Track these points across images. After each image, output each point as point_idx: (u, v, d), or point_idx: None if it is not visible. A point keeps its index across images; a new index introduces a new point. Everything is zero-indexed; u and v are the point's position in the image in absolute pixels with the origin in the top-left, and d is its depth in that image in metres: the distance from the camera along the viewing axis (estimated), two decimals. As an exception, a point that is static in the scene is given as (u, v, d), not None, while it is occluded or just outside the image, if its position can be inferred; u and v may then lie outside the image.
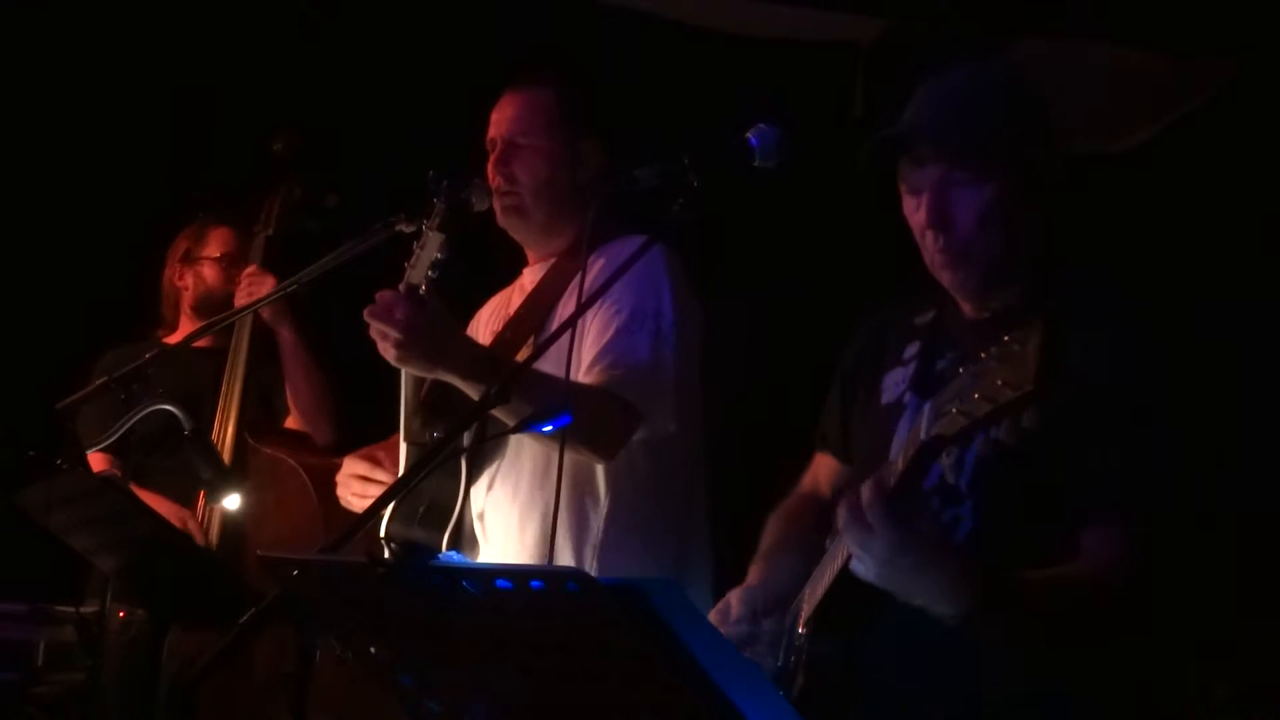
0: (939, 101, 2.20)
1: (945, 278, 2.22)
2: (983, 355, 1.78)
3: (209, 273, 4.29)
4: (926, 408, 1.88)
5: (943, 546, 1.96)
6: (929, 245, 2.19)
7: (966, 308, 2.26)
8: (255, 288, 3.96)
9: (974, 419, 1.79)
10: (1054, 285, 2.18)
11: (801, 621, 2.24)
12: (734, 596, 2.39)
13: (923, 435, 1.86)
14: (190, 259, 4.32)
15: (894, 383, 2.33)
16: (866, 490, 1.91)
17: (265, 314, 4.01)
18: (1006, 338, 1.76)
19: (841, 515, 1.94)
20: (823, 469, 2.57)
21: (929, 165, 2.16)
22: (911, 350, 2.33)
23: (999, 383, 1.75)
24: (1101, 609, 2.05)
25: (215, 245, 4.32)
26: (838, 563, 2.09)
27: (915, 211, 2.20)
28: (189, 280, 4.32)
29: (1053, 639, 2.04)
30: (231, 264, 4.28)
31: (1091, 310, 2.13)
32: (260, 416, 4.14)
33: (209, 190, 4.43)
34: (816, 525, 2.47)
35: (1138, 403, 2.07)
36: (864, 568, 1.95)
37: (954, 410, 1.80)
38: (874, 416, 2.35)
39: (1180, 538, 2.09)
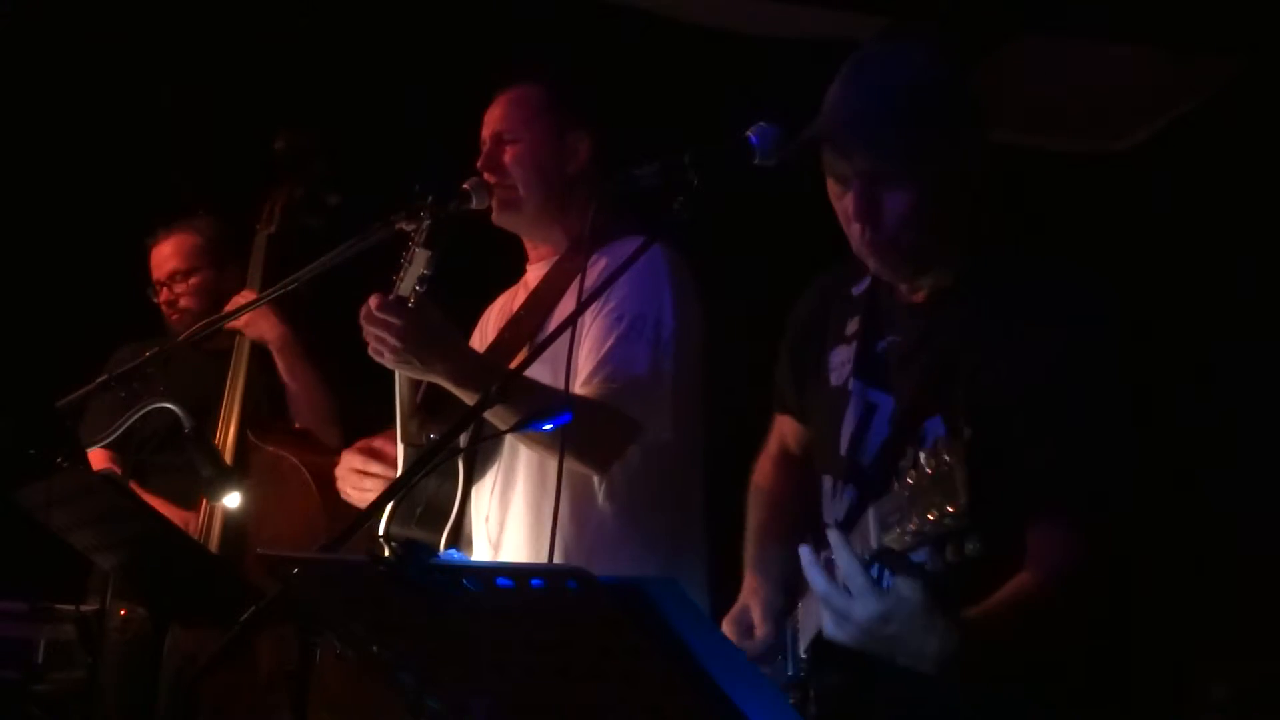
0: (866, 96, 2.14)
1: (872, 264, 2.22)
2: (912, 472, 1.75)
3: (160, 297, 4.30)
4: (871, 513, 1.86)
5: (927, 612, 1.89)
6: (855, 235, 2.18)
7: (900, 287, 2.26)
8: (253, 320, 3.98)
9: (923, 540, 1.77)
10: (990, 269, 2.16)
11: (803, 644, 2.24)
12: (753, 608, 2.35)
13: (873, 544, 1.85)
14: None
15: (840, 362, 2.33)
16: (843, 560, 1.88)
17: (251, 334, 4.02)
18: (934, 461, 1.72)
19: (818, 586, 1.91)
20: (787, 428, 2.58)
21: (855, 155, 2.13)
22: (852, 326, 2.33)
23: (934, 512, 1.72)
24: (1059, 616, 2.03)
25: (153, 269, 4.33)
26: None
27: (840, 199, 2.18)
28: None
29: (1022, 656, 2.03)
30: (173, 279, 4.28)
31: (1034, 300, 2.11)
32: (270, 416, 4.13)
33: (163, 190, 4.42)
34: (795, 489, 2.49)
35: (1081, 401, 2.05)
36: (842, 632, 1.92)
37: (897, 530, 1.79)
38: (823, 395, 2.35)
39: (1129, 535, 2.07)
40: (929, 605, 1.88)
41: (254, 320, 4.01)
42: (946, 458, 1.71)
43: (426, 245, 2.79)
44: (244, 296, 4.00)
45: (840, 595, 1.89)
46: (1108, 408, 2.07)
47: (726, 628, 2.35)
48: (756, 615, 2.34)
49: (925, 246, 2.16)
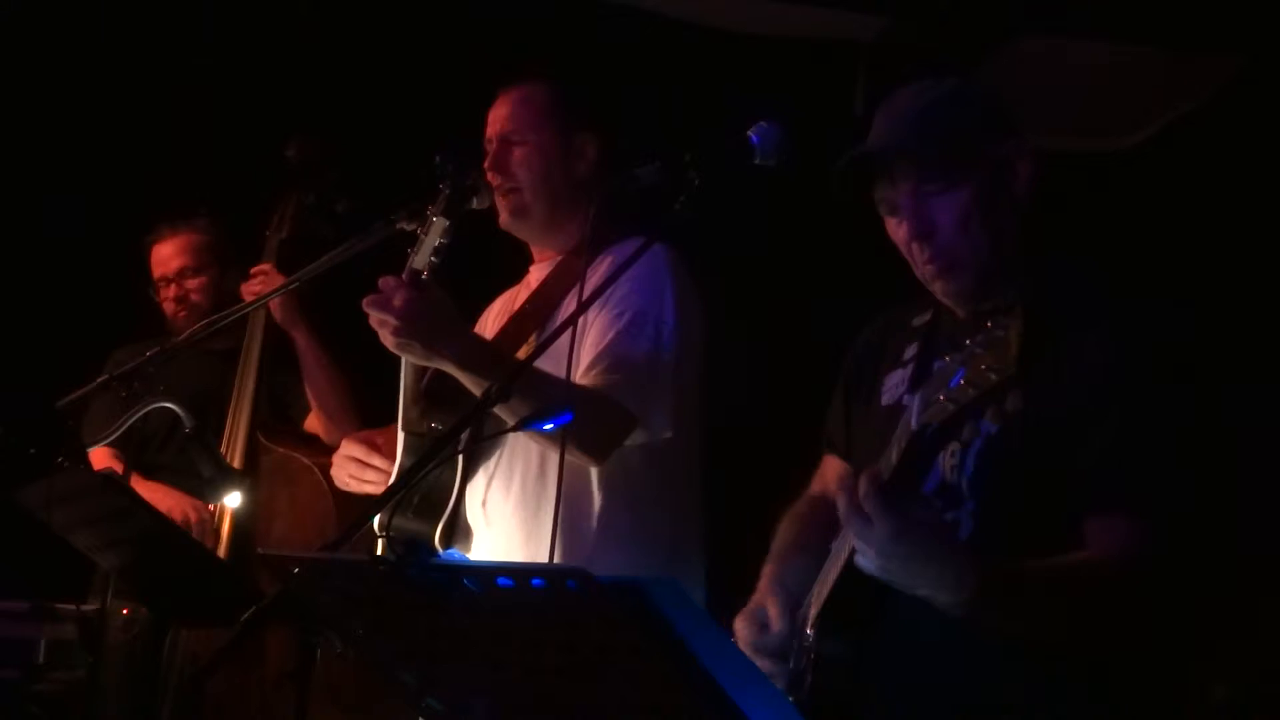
0: (897, 118, 2.21)
1: (939, 287, 2.24)
2: (967, 342, 1.80)
3: (161, 299, 4.30)
4: (916, 398, 1.89)
5: (941, 535, 1.96)
6: (917, 257, 2.21)
7: (960, 312, 2.27)
8: (266, 287, 3.96)
9: (960, 404, 1.80)
10: (1040, 279, 2.19)
11: (809, 623, 2.24)
12: (771, 605, 2.34)
13: (913, 425, 1.88)
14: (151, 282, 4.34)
15: (894, 384, 2.35)
16: (863, 481, 1.91)
17: (277, 318, 4.02)
18: (989, 324, 1.78)
19: (840, 507, 1.95)
20: (830, 471, 2.58)
21: (900, 182, 2.17)
22: (910, 351, 2.34)
23: (982, 367, 1.77)
24: (1103, 599, 2.04)
25: (155, 268, 4.33)
26: (841, 560, 2.09)
27: (898, 228, 2.22)
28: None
29: (1053, 628, 2.04)
30: (167, 285, 4.29)
31: (1083, 303, 2.14)
32: (275, 421, 4.13)
33: (158, 191, 4.42)
34: (826, 527, 2.48)
35: (1138, 395, 2.07)
36: (866, 560, 1.95)
37: (940, 398, 1.82)
38: (874, 417, 2.36)
39: (1184, 534, 2.08)
40: (943, 529, 1.95)
41: (287, 310, 4.01)
42: (1005, 322, 1.75)
43: (445, 214, 2.78)
44: (262, 270, 4.01)
45: (859, 518, 1.92)
46: (1163, 406, 2.08)
47: (740, 624, 2.34)
48: (773, 610, 2.32)
49: (984, 259, 2.19)
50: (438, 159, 2.83)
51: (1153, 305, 2.18)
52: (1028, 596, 2.00)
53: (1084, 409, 2.05)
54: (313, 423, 4.14)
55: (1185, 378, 2.12)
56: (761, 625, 2.30)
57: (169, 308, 4.30)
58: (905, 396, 2.27)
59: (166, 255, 4.32)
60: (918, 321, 2.37)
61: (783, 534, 2.54)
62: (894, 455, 1.92)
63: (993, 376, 1.76)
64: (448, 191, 2.81)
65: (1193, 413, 2.10)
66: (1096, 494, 2.06)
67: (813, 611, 2.23)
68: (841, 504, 1.95)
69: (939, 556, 1.94)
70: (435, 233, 2.76)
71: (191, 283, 4.29)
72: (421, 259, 2.76)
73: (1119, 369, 2.07)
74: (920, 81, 2.26)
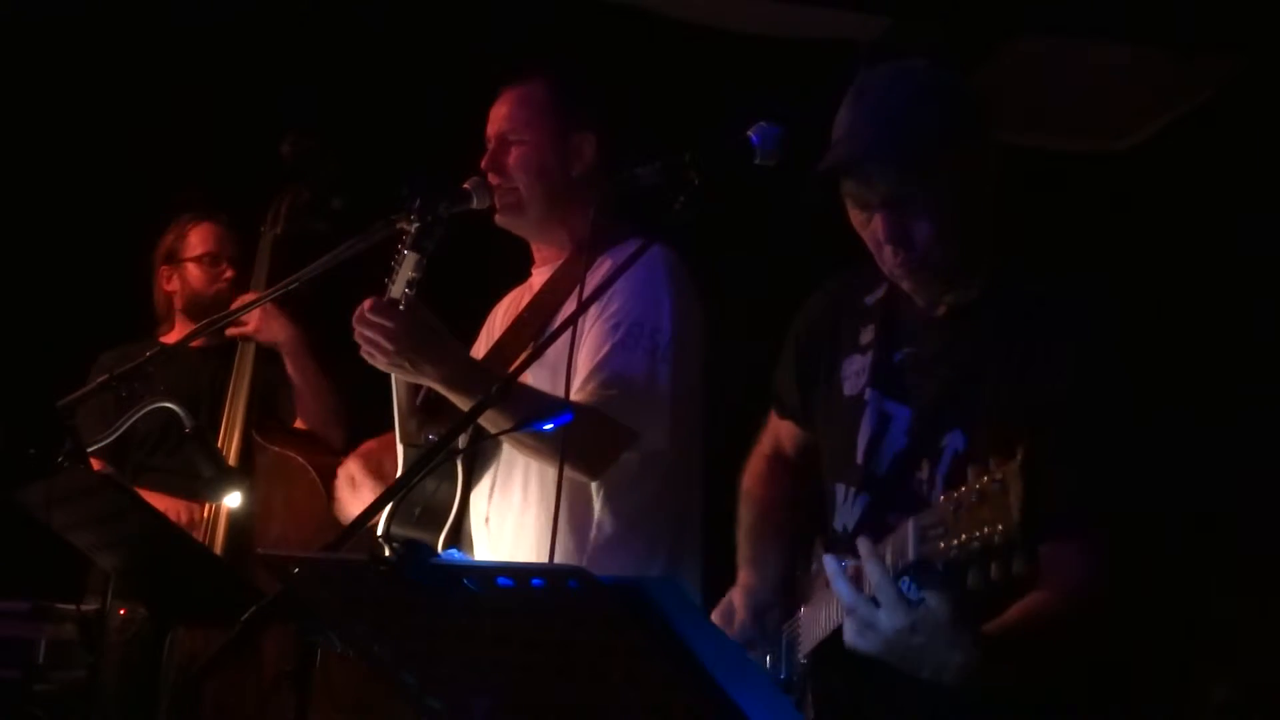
0: (877, 125, 2.16)
1: (906, 285, 2.23)
2: (962, 489, 1.75)
3: (192, 273, 4.30)
4: (910, 525, 1.84)
5: (953, 625, 1.89)
6: (888, 258, 2.19)
7: (919, 300, 2.26)
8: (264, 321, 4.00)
9: (967, 554, 1.75)
10: (1009, 288, 2.18)
11: (802, 650, 2.24)
12: (736, 599, 2.38)
13: (910, 556, 1.84)
14: (174, 260, 4.33)
15: (853, 372, 2.34)
16: (874, 570, 1.87)
17: (263, 338, 4.06)
18: (985, 478, 1.71)
19: (841, 592, 1.92)
20: (784, 431, 2.58)
21: (877, 183, 2.14)
22: (867, 335, 2.33)
23: (984, 529, 1.71)
24: (1078, 631, 2.05)
25: (196, 244, 4.33)
26: (834, 619, 2.07)
27: (866, 225, 2.19)
28: (176, 283, 4.33)
29: (1040, 669, 2.05)
30: (214, 262, 4.30)
31: (1049, 320, 2.13)
32: (264, 416, 4.14)
33: (191, 187, 4.43)
34: (787, 493, 2.51)
35: (1093, 419, 2.06)
36: (865, 641, 1.92)
37: (940, 544, 1.77)
38: (836, 406, 2.35)
39: (1144, 542, 2.08)
40: (955, 619, 1.88)
41: (266, 324, 4.04)
42: (1000, 476, 1.70)
43: (414, 248, 2.80)
44: (249, 298, 4.02)
45: (867, 605, 1.89)
46: (1117, 427, 2.08)
47: (714, 619, 2.36)
48: (738, 603, 2.36)
49: (955, 260, 2.18)
50: (404, 191, 2.83)
51: (1117, 329, 2.15)
52: (1015, 655, 1.98)
53: (1042, 437, 2.04)
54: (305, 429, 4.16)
55: (1130, 393, 2.11)
56: (728, 621, 2.34)
57: (209, 286, 4.28)
58: (868, 392, 2.28)
59: (219, 236, 4.32)
60: (870, 299, 2.35)
61: (747, 512, 2.55)
62: (911, 554, 1.85)
63: (997, 538, 1.69)
64: (416, 225, 2.81)
65: (1134, 419, 2.10)
66: (1050, 519, 2.04)
67: (804, 640, 2.23)
68: (845, 593, 1.91)
69: (948, 647, 1.89)
70: (407, 267, 2.80)
71: (228, 269, 4.30)
72: (397, 290, 2.79)
73: (1075, 400, 2.06)
74: (887, 70, 2.22)
